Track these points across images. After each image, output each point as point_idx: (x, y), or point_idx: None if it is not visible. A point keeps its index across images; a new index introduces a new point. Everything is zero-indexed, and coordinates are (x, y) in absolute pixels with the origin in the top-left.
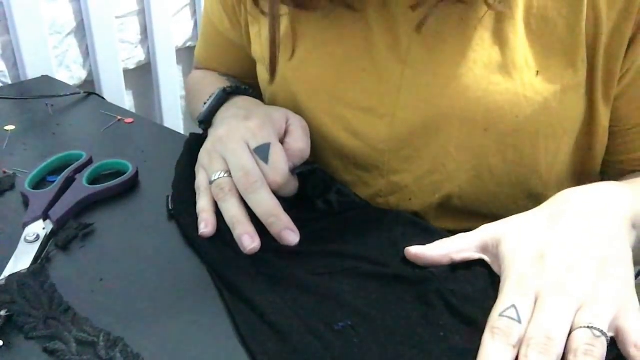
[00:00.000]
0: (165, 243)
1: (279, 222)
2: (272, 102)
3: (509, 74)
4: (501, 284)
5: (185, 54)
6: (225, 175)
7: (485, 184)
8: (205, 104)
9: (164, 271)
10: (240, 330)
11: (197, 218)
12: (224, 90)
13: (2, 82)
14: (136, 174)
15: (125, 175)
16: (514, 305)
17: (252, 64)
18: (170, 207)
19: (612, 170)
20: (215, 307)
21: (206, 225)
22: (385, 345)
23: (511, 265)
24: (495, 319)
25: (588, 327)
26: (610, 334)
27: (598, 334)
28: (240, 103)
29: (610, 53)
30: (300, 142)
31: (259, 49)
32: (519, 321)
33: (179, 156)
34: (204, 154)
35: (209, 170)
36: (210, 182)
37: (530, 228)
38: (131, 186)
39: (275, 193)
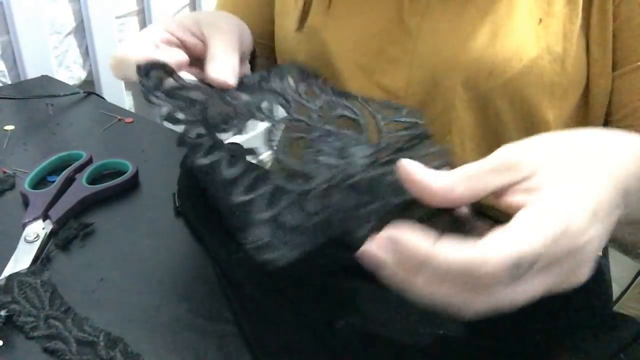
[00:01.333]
0: (165, 242)
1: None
2: (294, 52)
3: (513, 22)
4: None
5: None
6: None
7: (493, 127)
8: None
9: (164, 271)
10: (242, 327)
11: (204, 214)
12: None
13: (2, 82)
14: (136, 174)
15: (125, 175)
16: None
17: (271, 24)
18: (177, 204)
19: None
20: (215, 306)
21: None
22: (385, 344)
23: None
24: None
25: None
26: None
27: None
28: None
29: None
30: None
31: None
32: None
33: (184, 154)
34: None
35: None
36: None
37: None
38: (131, 186)
39: None
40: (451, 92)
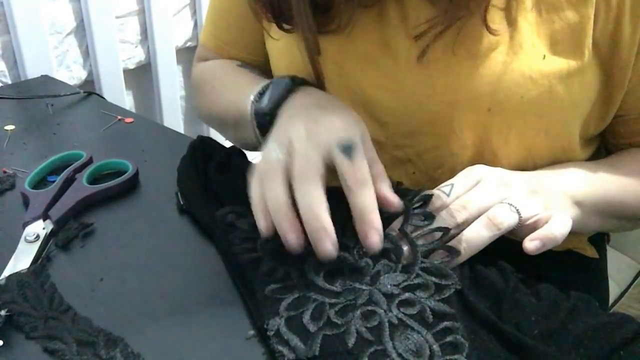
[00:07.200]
0: (165, 242)
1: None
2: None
3: (516, 55)
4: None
5: (185, 54)
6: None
7: (486, 163)
8: (259, 94)
9: (164, 271)
10: (256, 322)
11: (211, 209)
12: (292, 79)
13: (2, 82)
14: (136, 174)
15: (125, 175)
16: (452, 184)
17: (262, 42)
18: (181, 202)
19: (612, 147)
20: (215, 306)
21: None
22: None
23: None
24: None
25: (508, 203)
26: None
27: (514, 209)
28: (314, 94)
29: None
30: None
31: None
32: (448, 195)
33: (182, 157)
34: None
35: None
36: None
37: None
38: (131, 186)
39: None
40: (446, 126)
